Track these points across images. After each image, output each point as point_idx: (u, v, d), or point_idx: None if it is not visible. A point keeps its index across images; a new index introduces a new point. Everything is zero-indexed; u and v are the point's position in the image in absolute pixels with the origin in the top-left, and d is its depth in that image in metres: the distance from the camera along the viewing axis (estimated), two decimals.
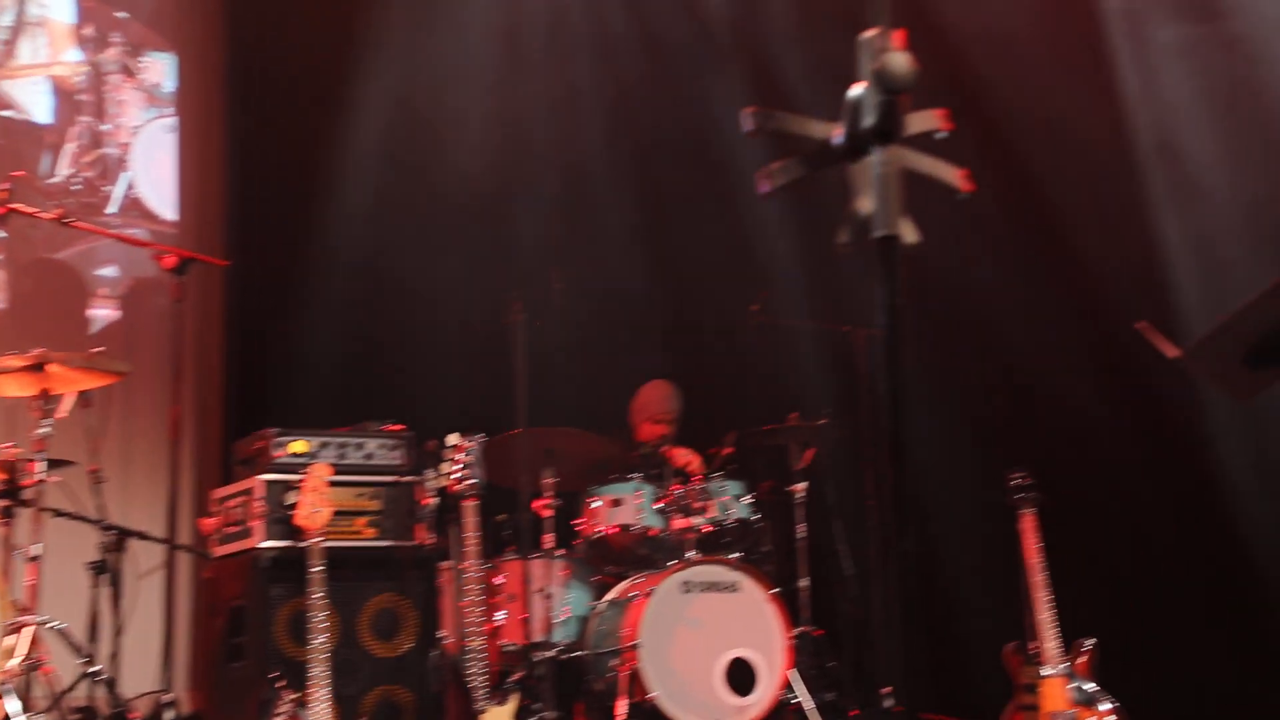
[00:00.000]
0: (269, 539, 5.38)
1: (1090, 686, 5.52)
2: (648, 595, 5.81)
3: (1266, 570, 6.14)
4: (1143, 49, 6.80)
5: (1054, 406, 7.17)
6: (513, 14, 8.07)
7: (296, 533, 5.03)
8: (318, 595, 4.75)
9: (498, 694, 5.08)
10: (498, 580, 6.12)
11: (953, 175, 1.87)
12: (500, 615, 6.07)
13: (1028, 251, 7.26)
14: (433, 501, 5.60)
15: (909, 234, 1.82)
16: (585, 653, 6.01)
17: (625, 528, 6.26)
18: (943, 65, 6.79)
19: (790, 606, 6.22)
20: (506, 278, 6.77)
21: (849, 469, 6.93)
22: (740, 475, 6.49)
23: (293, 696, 4.71)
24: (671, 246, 8.03)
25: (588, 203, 8.07)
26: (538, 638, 5.97)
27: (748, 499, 6.42)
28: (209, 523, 5.87)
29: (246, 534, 5.50)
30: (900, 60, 1.72)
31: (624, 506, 6.29)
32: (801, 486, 6.61)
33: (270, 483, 5.44)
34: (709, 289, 7.94)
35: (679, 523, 6.19)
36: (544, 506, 6.22)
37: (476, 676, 5.03)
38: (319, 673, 4.69)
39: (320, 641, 4.72)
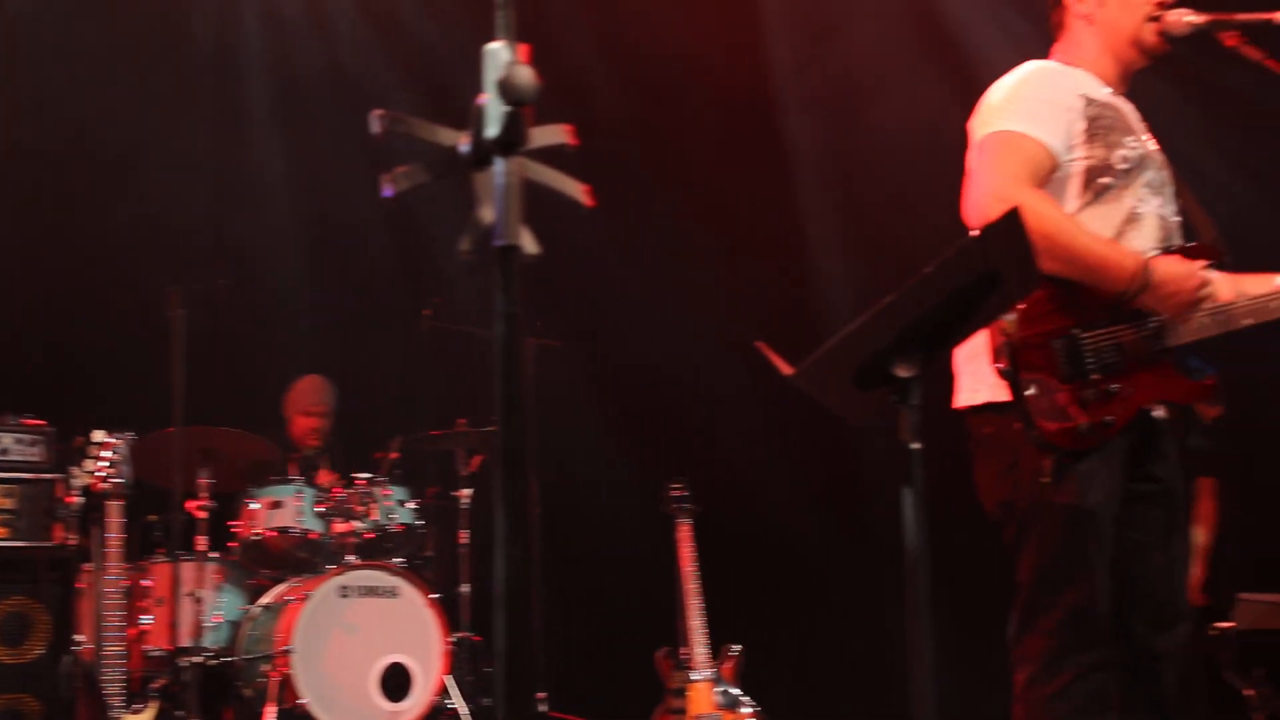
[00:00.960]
0: None
1: (735, 691, 5.74)
2: (303, 599, 5.70)
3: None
4: (801, 77, 7.18)
5: (712, 418, 7.45)
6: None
7: None
8: None
9: (136, 701, 4.87)
10: (146, 583, 5.88)
11: (576, 189, 1.91)
12: (147, 619, 5.83)
13: (683, 266, 7.57)
14: (76, 500, 5.32)
15: (529, 245, 1.85)
16: (236, 658, 5.84)
17: (284, 530, 6.10)
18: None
19: (451, 612, 6.22)
20: (166, 270, 6.48)
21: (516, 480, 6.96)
22: (406, 480, 6.44)
23: None
24: (342, 248, 7.88)
25: (255, 195, 7.82)
26: (185, 642, 5.76)
27: (412, 504, 6.37)
28: None
29: None
30: (524, 73, 1.75)
31: (284, 509, 6.13)
32: (467, 492, 6.62)
33: None
34: (381, 292, 7.85)
35: (340, 527, 6.10)
36: (198, 508, 6.01)
37: (113, 683, 4.81)
38: None
39: None
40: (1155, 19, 3.24)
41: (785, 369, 2.36)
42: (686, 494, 6.08)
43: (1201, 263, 3.09)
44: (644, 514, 6.66)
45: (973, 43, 6.69)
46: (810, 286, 7.38)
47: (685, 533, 6.01)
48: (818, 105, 7.32)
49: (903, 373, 2.33)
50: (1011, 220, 2.28)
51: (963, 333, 2.43)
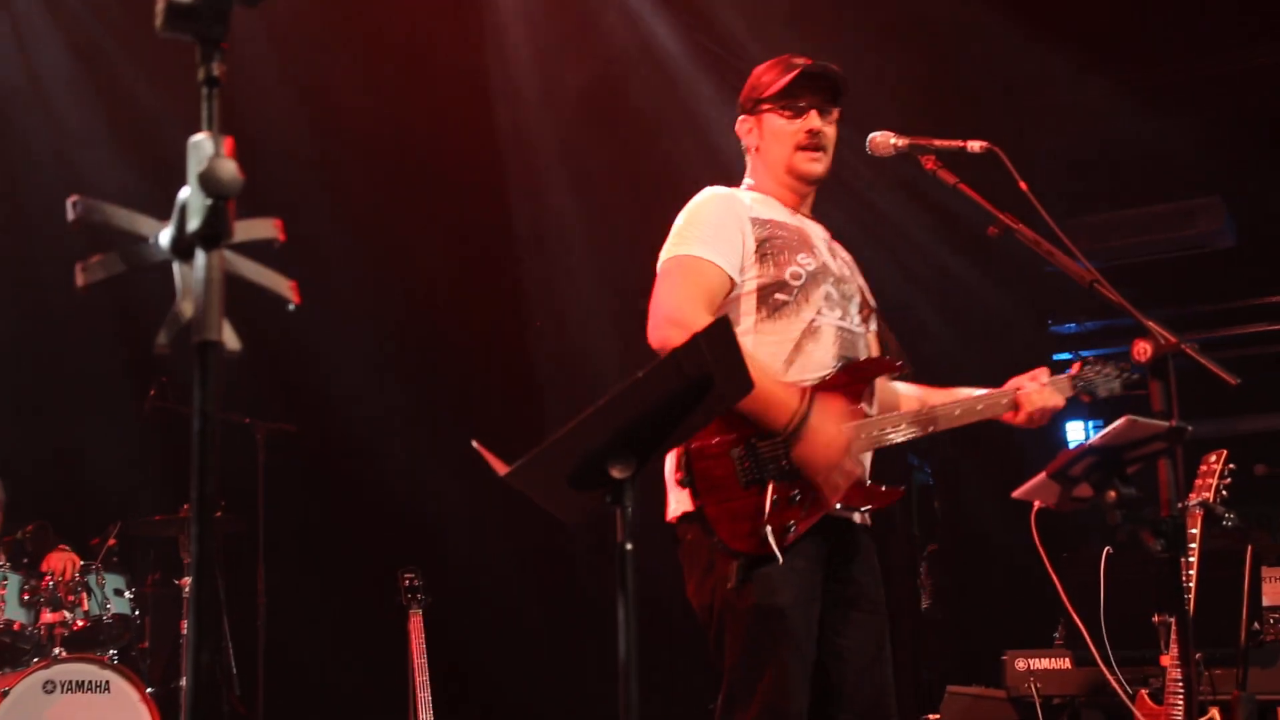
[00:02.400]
0: None
1: None
2: (2, 696, 5.35)
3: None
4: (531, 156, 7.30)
5: (440, 508, 7.41)
6: None
7: None
8: None
9: None
10: None
11: (282, 285, 1.87)
12: None
13: (410, 355, 7.58)
14: None
15: (231, 340, 1.80)
16: None
17: None
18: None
19: (169, 708, 5.94)
20: None
21: (246, 565, 6.76)
22: (123, 568, 6.15)
23: None
24: (60, 325, 7.48)
25: None
26: None
27: (129, 593, 6.09)
28: None
29: None
30: (227, 167, 1.72)
31: None
32: (190, 581, 6.35)
33: None
34: (102, 373, 7.48)
35: (49, 616, 5.78)
36: None
37: None
38: None
39: None
40: (805, 147, 3.45)
41: (500, 468, 2.36)
42: (419, 584, 6.00)
43: (859, 423, 3.20)
44: (376, 603, 6.54)
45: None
46: (534, 381, 7.48)
47: (416, 623, 5.92)
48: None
49: (617, 474, 2.35)
50: (723, 326, 2.35)
51: (676, 436, 2.48)
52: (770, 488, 3.10)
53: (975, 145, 3.22)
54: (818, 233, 3.52)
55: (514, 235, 7.60)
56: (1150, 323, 2.79)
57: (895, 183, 7.07)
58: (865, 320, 3.48)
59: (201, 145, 1.73)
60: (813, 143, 3.46)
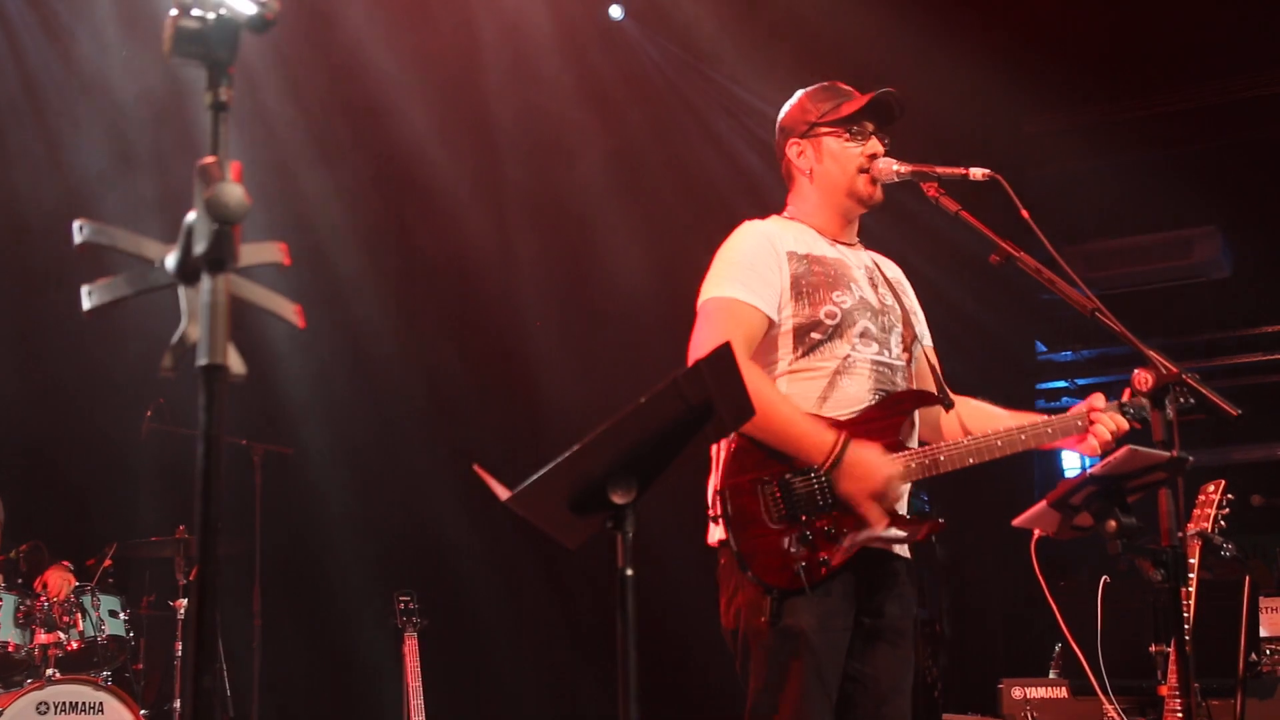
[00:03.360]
0: None
1: None
2: None
3: None
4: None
5: (440, 531, 7.41)
6: None
7: None
8: None
9: None
10: None
11: (288, 310, 1.88)
12: None
13: (412, 379, 7.59)
14: None
15: (236, 365, 1.80)
16: None
17: None
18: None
19: None
20: None
21: (241, 586, 6.75)
22: (119, 589, 6.13)
23: None
24: (58, 343, 7.48)
25: None
26: None
27: (124, 614, 6.07)
28: None
29: None
30: (234, 192, 1.72)
31: None
32: (185, 602, 6.34)
33: None
34: (97, 393, 7.46)
35: (43, 637, 5.76)
36: None
37: None
38: None
39: None
40: (866, 170, 3.45)
41: (501, 493, 2.36)
42: (415, 607, 5.98)
43: (897, 455, 3.19)
44: (372, 625, 6.53)
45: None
46: (538, 406, 7.48)
47: (411, 645, 5.90)
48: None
49: (618, 499, 2.35)
50: (724, 353, 2.35)
51: (677, 462, 2.48)
52: (805, 521, 3.12)
53: (978, 172, 3.22)
54: (858, 263, 3.52)
55: (514, 257, 7.60)
56: (1151, 352, 2.79)
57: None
58: (908, 350, 3.48)
59: (208, 170, 1.73)
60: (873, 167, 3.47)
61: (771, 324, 3.31)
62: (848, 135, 3.47)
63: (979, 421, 3.46)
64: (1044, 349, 10.47)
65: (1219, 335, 9.97)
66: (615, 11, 7.37)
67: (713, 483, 3.23)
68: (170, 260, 1.79)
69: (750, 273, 3.32)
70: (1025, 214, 3.08)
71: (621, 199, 7.29)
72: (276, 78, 6.93)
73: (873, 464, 3.12)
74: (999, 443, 3.24)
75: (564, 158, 7.37)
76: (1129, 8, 7.30)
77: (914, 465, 3.20)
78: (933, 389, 3.49)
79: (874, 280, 3.51)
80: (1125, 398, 3.32)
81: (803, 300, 3.32)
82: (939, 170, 3.32)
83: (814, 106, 3.52)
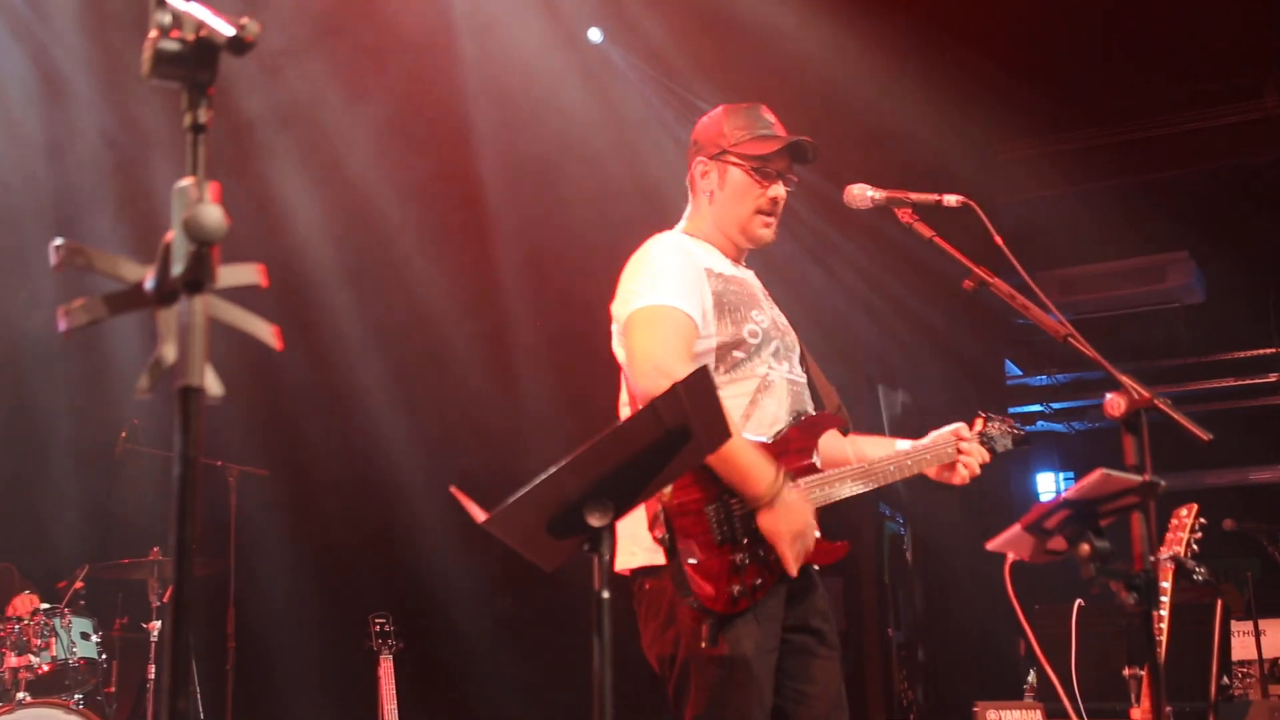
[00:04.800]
0: None
1: None
2: None
3: None
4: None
5: (416, 552, 7.39)
6: None
7: None
8: None
9: None
10: None
11: (265, 331, 1.88)
12: None
13: (389, 401, 7.58)
14: None
15: (214, 386, 1.80)
16: None
17: None
18: None
19: None
20: None
21: (214, 608, 6.71)
22: (91, 611, 6.09)
23: None
24: (32, 361, 7.44)
25: None
26: None
27: (96, 637, 6.03)
28: None
29: None
30: (212, 213, 1.72)
31: None
32: (158, 625, 6.29)
33: None
34: (73, 412, 7.43)
35: (14, 660, 5.72)
36: None
37: None
38: None
39: None
40: (764, 212, 3.46)
41: (478, 515, 2.36)
42: (390, 629, 5.96)
43: (804, 484, 3.23)
44: (345, 647, 6.50)
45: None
46: (517, 429, 7.48)
47: (386, 668, 5.88)
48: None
49: (595, 522, 2.36)
50: (702, 376, 2.36)
51: (654, 485, 2.49)
52: (742, 545, 3.13)
53: (951, 199, 3.24)
54: (757, 284, 3.55)
55: (498, 283, 7.60)
56: (1124, 377, 2.82)
57: (861, 228, 7.15)
58: (805, 369, 3.51)
59: (186, 190, 1.74)
60: (772, 210, 3.48)
61: (698, 337, 3.28)
62: (754, 174, 3.45)
63: (856, 449, 3.47)
64: (1018, 373, 10.53)
65: (1192, 360, 10.05)
66: (594, 35, 7.39)
67: (646, 505, 3.18)
68: (148, 281, 1.80)
69: (678, 283, 3.28)
70: (999, 239, 3.11)
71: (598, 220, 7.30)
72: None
73: (799, 510, 3.15)
74: (891, 468, 3.34)
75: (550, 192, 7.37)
76: (1101, 35, 7.37)
77: (816, 495, 3.25)
78: (836, 406, 3.51)
79: (769, 301, 3.54)
80: (981, 427, 3.40)
81: (725, 319, 3.31)
82: (913, 196, 3.33)
83: (730, 131, 3.49)
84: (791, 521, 3.12)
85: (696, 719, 3.16)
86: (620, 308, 3.35)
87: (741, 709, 3.12)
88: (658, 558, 3.16)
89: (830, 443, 3.48)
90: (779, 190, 3.47)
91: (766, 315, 3.41)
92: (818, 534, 3.25)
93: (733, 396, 3.28)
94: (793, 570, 3.15)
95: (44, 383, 7.22)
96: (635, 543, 3.25)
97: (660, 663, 3.25)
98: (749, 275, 3.54)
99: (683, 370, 3.07)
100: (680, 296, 3.27)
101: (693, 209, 3.57)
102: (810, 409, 3.44)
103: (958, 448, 3.39)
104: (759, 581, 3.13)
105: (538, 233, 7.55)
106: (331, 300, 7.46)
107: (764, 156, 3.44)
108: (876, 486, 3.35)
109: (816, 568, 3.42)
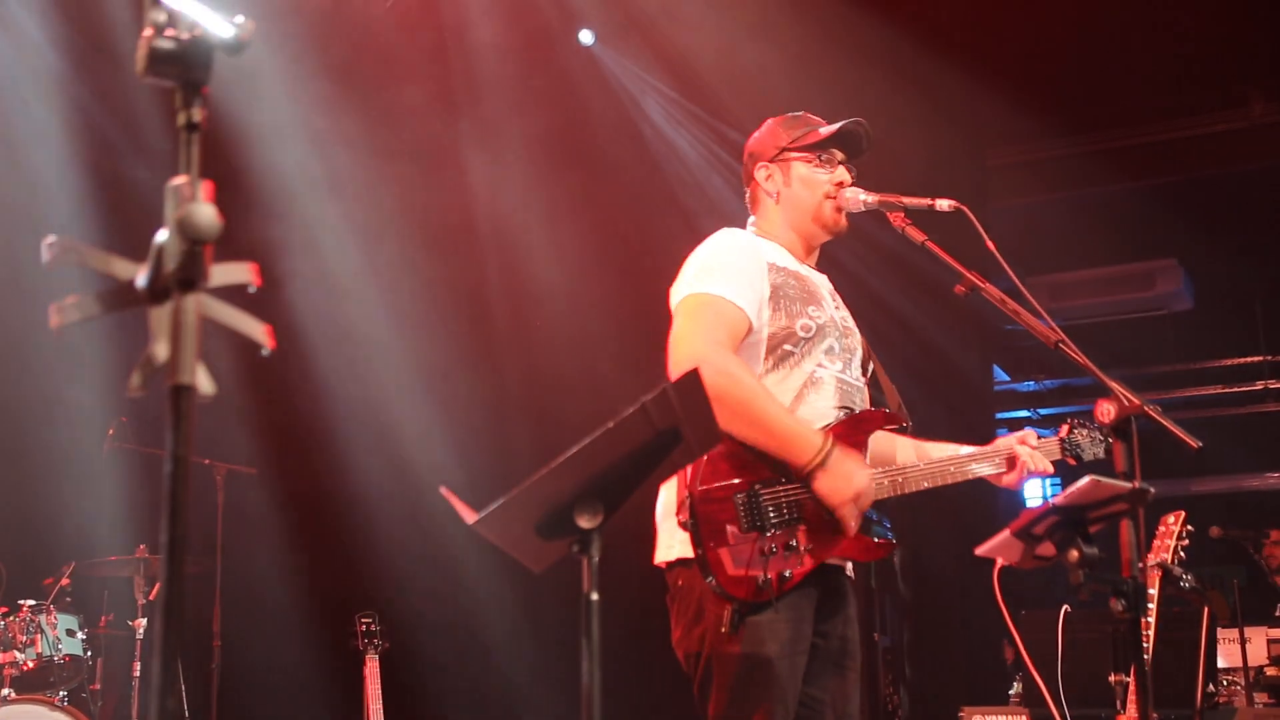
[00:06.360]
0: None
1: None
2: None
3: None
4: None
5: (404, 551, 7.38)
6: None
7: None
8: None
9: None
10: None
11: (257, 330, 1.87)
12: None
13: (379, 398, 7.57)
14: None
15: (205, 384, 1.80)
16: None
17: None
18: None
19: None
20: None
21: (201, 605, 6.69)
22: (76, 608, 6.07)
23: None
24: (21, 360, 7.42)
25: None
26: None
27: (82, 634, 6.01)
28: None
29: None
30: (205, 212, 1.72)
31: None
32: (144, 622, 6.28)
33: None
34: (62, 410, 7.41)
35: None
36: None
37: None
38: None
39: None
40: (833, 198, 3.48)
41: (468, 516, 2.35)
42: (376, 628, 5.95)
43: (867, 469, 3.21)
44: (331, 646, 6.49)
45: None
46: (503, 428, 7.47)
47: (372, 667, 5.87)
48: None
49: (584, 523, 2.36)
50: (692, 379, 2.36)
51: (643, 487, 2.48)
52: (771, 534, 3.12)
53: (944, 204, 3.25)
54: (824, 285, 3.54)
55: (486, 284, 7.61)
56: (1114, 383, 2.82)
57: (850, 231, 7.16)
58: (865, 373, 3.50)
59: (179, 189, 1.73)
60: (839, 196, 3.49)
61: (750, 328, 3.28)
62: (817, 161, 3.49)
63: (919, 451, 3.49)
64: (1006, 378, 10.55)
65: (1180, 367, 10.08)
66: (586, 36, 7.39)
67: (675, 490, 3.18)
68: (141, 279, 1.79)
69: (735, 273, 3.29)
70: (991, 245, 3.11)
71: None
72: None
73: (854, 470, 3.13)
74: (952, 469, 3.33)
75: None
76: (1091, 43, 7.39)
77: (885, 482, 3.23)
78: (897, 405, 3.51)
79: (836, 302, 3.54)
80: (1064, 433, 3.41)
81: (780, 311, 3.30)
82: (905, 201, 3.34)
83: (784, 132, 3.54)
84: (850, 481, 3.11)
85: (718, 717, 3.16)
86: (674, 294, 3.36)
87: (764, 709, 3.10)
88: (690, 549, 3.14)
89: (885, 442, 3.48)
90: (843, 174, 3.49)
91: (825, 313, 3.39)
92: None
93: (778, 391, 3.26)
94: (850, 530, 3.13)
95: (31, 379, 7.21)
96: (673, 535, 3.24)
97: (687, 660, 3.24)
98: (816, 275, 3.53)
99: (725, 359, 3.09)
100: (731, 287, 3.25)
101: (758, 217, 3.59)
102: (860, 409, 3.42)
103: (1011, 455, 3.38)
104: (787, 573, 3.11)
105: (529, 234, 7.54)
106: (319, 299, 7.44)
107: (822, 143, 3.48)
108: (937, 486, 3.32)
109: (852, 576, 3.41)
